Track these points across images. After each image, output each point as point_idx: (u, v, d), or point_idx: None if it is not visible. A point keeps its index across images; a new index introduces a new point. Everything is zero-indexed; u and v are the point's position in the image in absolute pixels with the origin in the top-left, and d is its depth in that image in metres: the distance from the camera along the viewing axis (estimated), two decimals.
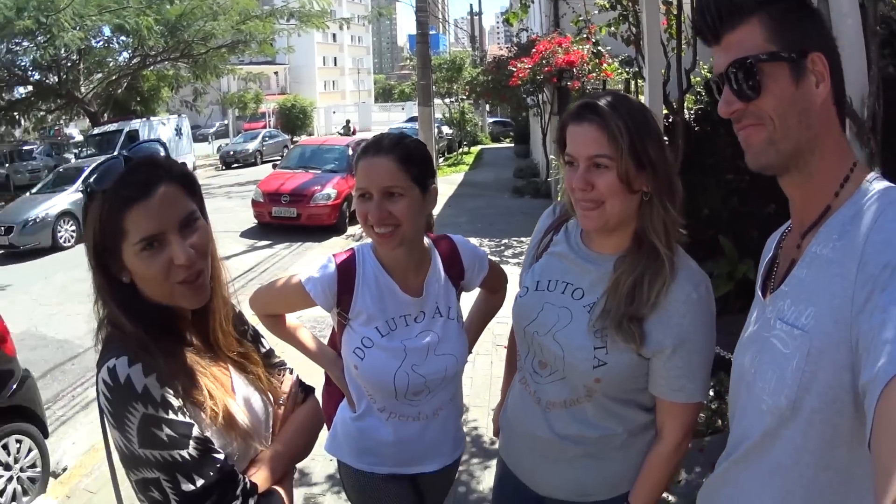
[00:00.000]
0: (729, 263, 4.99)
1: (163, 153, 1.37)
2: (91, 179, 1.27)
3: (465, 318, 2.08)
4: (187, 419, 1.24)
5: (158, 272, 1.26)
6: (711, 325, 1.59)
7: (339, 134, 30.51)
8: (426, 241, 1.94)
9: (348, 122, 36.45)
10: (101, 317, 1.32)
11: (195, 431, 1.23)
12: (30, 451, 4.09)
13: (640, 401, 1.67)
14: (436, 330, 1.89)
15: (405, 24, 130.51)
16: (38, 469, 4.14)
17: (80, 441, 4.98)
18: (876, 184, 1.09)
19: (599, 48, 8.76)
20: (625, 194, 1.51)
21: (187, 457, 1.21)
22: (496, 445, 2.09)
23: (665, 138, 1.57)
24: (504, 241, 10.39)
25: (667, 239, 1.55)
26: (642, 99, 6.36)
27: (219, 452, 1.26)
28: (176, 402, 1.23)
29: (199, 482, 1.21)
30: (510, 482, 1.91)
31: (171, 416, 1.21)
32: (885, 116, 2.07)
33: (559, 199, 1.79)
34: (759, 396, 1.12)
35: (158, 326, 1.30)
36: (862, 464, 0.82)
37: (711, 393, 3.69)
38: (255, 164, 26.59)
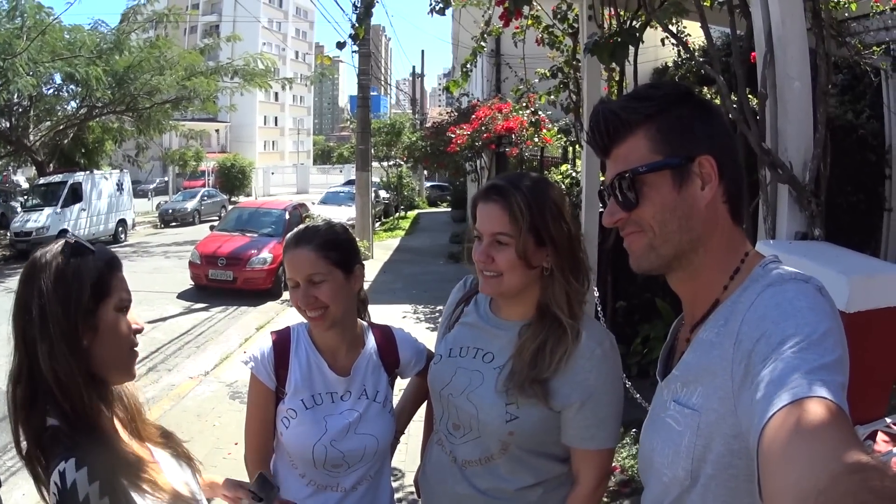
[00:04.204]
0: (666, 326, 5.05)
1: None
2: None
3: (398, 401, 2.21)
4: None
5: (129, 333, 1.39)
6: (618, 376, 1.72)
7: None
8: (363, 325, 2.08)
9: None
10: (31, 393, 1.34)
11: None
12: None
13: (553, 452, 1.75)
14: (360, 410, 1.97)
15: (347, 85, 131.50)
16: None
17: (29, 493, 4.84)
18: (766, 269, 1.12)
19: (538, 115, 8.92)
20: (522, 269, 1.65)
21: None
22: None
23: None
24: (438, 308, 10.33)
25: (570, 309, 1.67)
26: (579, 165, 6.50)
27: None
28: None
29: None
30: None
31: None
32: (840, 164, 2.11)
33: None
34: (660, 470, 1.19)
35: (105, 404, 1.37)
36: None
37: None
38: (193, 223, 26.30)
